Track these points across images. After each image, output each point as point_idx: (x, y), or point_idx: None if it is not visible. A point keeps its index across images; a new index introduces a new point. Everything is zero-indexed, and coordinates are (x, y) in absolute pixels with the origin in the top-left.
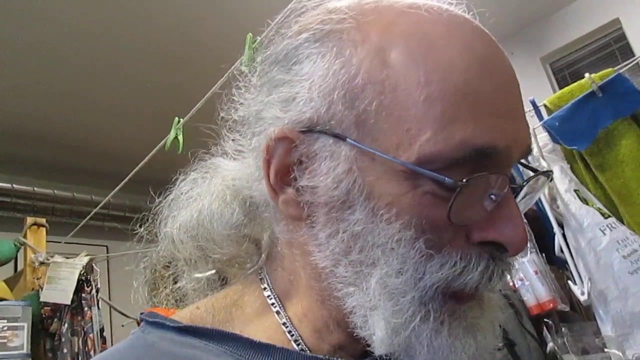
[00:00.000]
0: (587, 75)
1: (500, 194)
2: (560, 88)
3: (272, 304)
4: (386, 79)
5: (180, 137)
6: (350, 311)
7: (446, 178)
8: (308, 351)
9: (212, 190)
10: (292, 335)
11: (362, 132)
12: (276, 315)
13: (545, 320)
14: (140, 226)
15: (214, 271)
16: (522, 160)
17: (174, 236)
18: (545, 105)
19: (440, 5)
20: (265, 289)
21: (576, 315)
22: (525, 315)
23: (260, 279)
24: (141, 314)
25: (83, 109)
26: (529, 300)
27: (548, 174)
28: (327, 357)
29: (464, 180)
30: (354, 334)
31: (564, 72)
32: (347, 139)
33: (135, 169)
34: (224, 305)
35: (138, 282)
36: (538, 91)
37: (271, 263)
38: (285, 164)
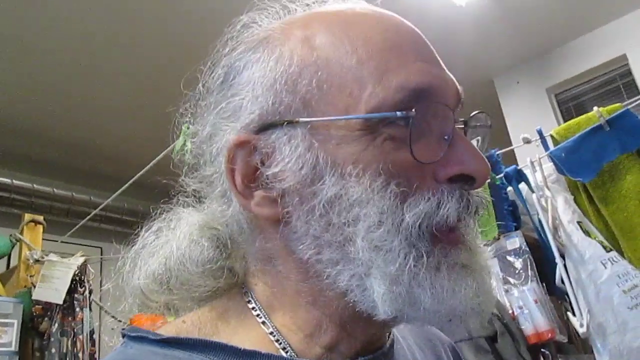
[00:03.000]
0: (595, 108)
1: (450, 132)
2: (565, 120)
3: (258, 315)
4: (317, 58)
5: (189, 144)
6: (345, 291)
7: (397, 112)
8: (296, 357)
9: (178, 235)
10: (280, 344)
11: (311, 110)
12: (262, 326)
13: (542, 350)
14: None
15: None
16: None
17: (142, 288)
18: (551, 136)
19: (358, 5)
20: (249, 301)
21: (572, 347)
22: (523, 344)
23: (244, 292)
24: (123, 329)
25: (87, 108)
26: (527, 329)
27: (484, 124)
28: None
29: (413, 110)
30: (347, 327)
31: (568, 104)
32: (299, 120)
33: (141, 172)
34: (210, 318)
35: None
36: (542, 121)
37: (251, 279)
38: (249, 167)
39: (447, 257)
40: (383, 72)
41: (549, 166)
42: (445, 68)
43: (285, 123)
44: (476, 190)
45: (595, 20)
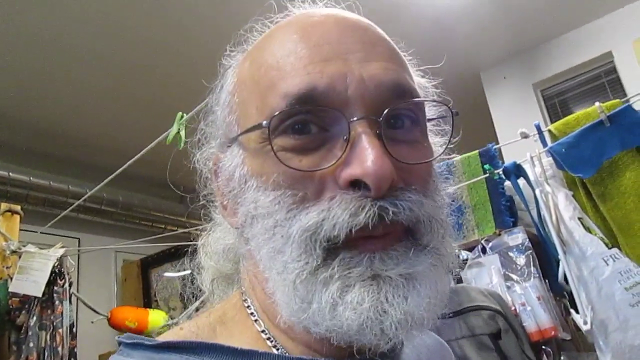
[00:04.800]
0: (597, 104)
1: (347, 132)
2: (550, 116)
3: (252, 313)
4: (241, 81)
5: (183, 133)
6: (272, 295)
7: (264, 122)
8: (287, 355)
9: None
10: (271, 342)
11: (240, 127)
12: (255, 324)
13: (544, 347)
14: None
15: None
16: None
17: (215, 264)
18: (550, 131)
19: (302, 12)
20: (245, 300)
21: (570, 344)
22: (526, 341)
23: (242, 292)
24: (118, 337)
25: (66, 94)
26: (530, 326)
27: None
28: (309, 357)
29: (276, 113)
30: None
31: (554, 100)
32: (233, 137)
33: (128, 163)
34: (208, 323)
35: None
36: (528, 116)
37: (245, 283)
38: (223, 182)
39: (346, 268)
40: (276, 82)
41: (544, 162)
42: (362, 58)
43: (230, 140)
44: (400, 193)
45: (582, 16)
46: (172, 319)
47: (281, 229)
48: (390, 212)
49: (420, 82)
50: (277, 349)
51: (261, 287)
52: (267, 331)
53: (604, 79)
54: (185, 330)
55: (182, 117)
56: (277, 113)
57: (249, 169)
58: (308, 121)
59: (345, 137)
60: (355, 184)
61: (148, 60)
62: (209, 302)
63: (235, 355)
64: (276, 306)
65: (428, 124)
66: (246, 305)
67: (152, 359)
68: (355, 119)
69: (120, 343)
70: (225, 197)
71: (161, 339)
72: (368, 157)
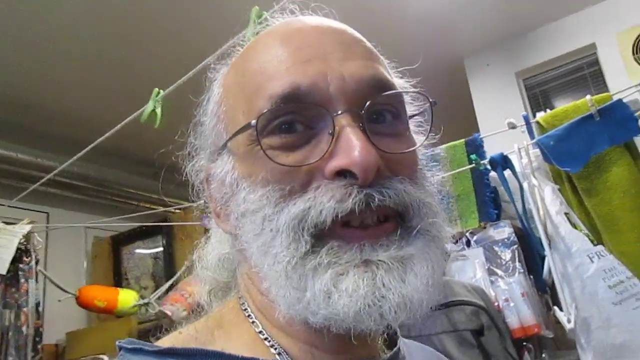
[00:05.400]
0: (588, 96)
1: (332, 127)
2: (531, 105)
3: (249, 315)
4: (226, 89)
5: (159, 110)
6: (268, 292)
7: (252, 121)
8: (286, 355)
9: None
10: (269, 342)
11: (228, 134)
12: (252, 326)
13: (525, 344)
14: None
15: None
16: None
17: (210, 271)
18: (538, 123)
19: (283, 21)
20: (242, 304)
21: (550, 341)
22: (508, 338)
23: (240, 296)
24: (119, 341)
25: (37, 62)
26: (513, 322)
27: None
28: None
29: (263, 112)
30: (315, 328)
31: (535, 90)
32: (222, 144)
33: (102, 138)
34: (206, 327)
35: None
36: (510, 105)
37: (241, 287)
38: (216, 191)
39: (335, 255)
40: (261, 85)
41: (530, 154)
42: (341, 58)
43: (220, 148)
44: (386, 181)
45: (567, 7)
46: (143, 298)
47: (269, 223)
48: (377, 199)
49: (399, 84)
50: (275, 348)
51: (256, 288)
52: (264, 331)
53: (586, 70)
54: (184, 334)
55: (158, 93)
56: (264, 111)
57: (239, 173)
58: (294, 120)
59: (330, 132)
60: (341, 174)
61: (127, 29)
62: (204, 311)
63: None
64: (273, 304)
65: (410, 122)
66: (243, 308)
67: None
68: (338, 113)
69: (120, 348)
70: (218, 204)
71: (161, 343)
72: (354, 147)
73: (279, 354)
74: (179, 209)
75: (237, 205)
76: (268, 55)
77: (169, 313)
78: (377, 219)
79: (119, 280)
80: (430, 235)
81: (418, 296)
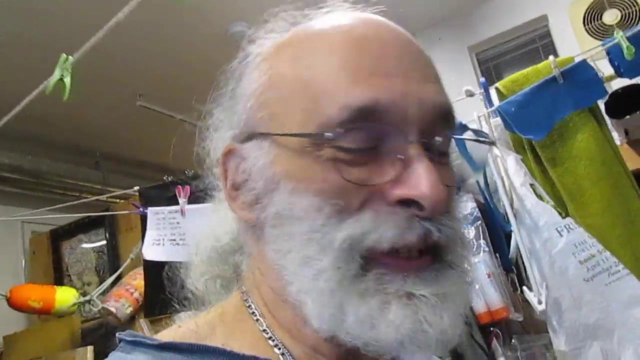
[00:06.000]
0: (551, 57)
1: (403, 153)
2: (485, 79)
3: (253, 312)
4: (283, 76)
5: (68, 80)
6: (295, 301)
7: (325, 133)
8: (289, 356)
9: (216, 227)
10: (273, 341)
11: (276, 124)
12: (256, 324)
13: (493, 329)
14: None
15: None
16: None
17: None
18: (497, 89)
19: (346, 14)
20: (246, 300)
21: (517, 324)
22: (474, 324)
23: (243, 292)
24: (119, 333)
25: None
26: (478, 306)
27: (485, 140)
28: None
29: (343, 130)
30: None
31: (488, 64)
32: (265, 133)
33: (4, 119)
34: (207, 321)
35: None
36: (463, 79)
37: (246, 280)
38: (236, 173)
39: (380, 283)
40: (332, 92)
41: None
42: (421, 78)
43: (256, 135)
44: (441, 217)
45: None
46: (84, 295)
47: (318, 236)
48: (434, 235)
49: None
50: (279, 348)
51: (267, 285)
52: (269, 331)
53: (538, 43)
54: (184, 328)
55: (66, 59)
56: (337, 122)
57: (283, 169)
58: (364, 135)
59: (400, 156)
60: (405, 203)
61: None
62: (202, 304)
63: None
64: (285, 304)
65: None
66: (247, 304)
67: (154, 358)
68: (412, 139)
69: (120, 340)
70: (241, 192)
71: (160, 337)
72: (426, 179)
73: (282, 354)
74: (120, 198)
75: (272, 202)
76: (342, 56)
77: (113, 310)
78: (419, 251)
79: (60, 277)
80: (461, 269)
81: (452, 331)
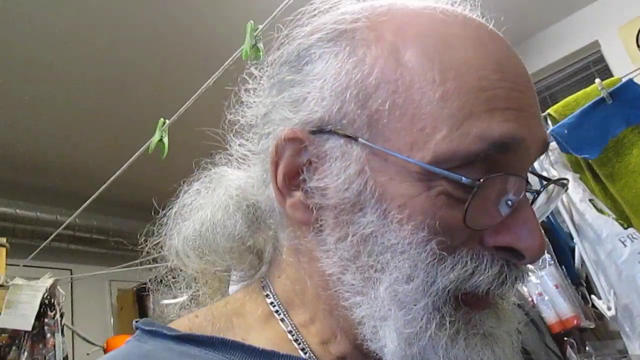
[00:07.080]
0: (597, 80)
1: (516, 198)
2: (542, 110)
3: (276, 311)
4: (400, 78)
5: (166, 140)
6: (359, 322)
7: (463, 177)
8: (315, 359)
9: (215, 201)
10: (299, 344)
11: (374, 132)
12: (281, 323)
13: (566, 338)
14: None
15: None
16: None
17: (179, 250)
18: (549, 114)
19: (454, 9)
20: (267, 296)
21: (591, 334)
22: (547, 333)
23: (263, 286)
24: (136, 321)
25: (47, 120)
26: (549, 317)
27: (563, 183)
28: None
29: (481, 179)
30: (363, 346)
31: (544, 93)
32: (359, 139)
33: (104, 186)
34: (224, 313)
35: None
36: None
37: (274, 271)
38: (294, 165)
39: (468, 323)
40: (465, 118)
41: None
42: (537, 114)
43: (344, 136)
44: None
45: (566, 8)
46: None
47: (423, 276)
48: (522, 282)
49: None
50: (305, 352)
51: (312, 291)
52: (294, 332)
53: (592, 68)
54: (201, 318)
55: (164, 122)
56: (464, 153)
57: (378, 189)
58: (484, 170)
59: (511, 202)
60: (504, 247)
61: (135, 80)
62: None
63: (256, 356)
64: (331, 318)
65: None
66: (269, 301)
67: (171, 349)
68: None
69: (137, 328)
70: (301, 190)
71: (176, 326)
72: (533, 232)
73: (309, 357)
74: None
75: (357, 220)
76: (480, 75)
77: None
78: None
79: None
80: (511, 302)
81: None
